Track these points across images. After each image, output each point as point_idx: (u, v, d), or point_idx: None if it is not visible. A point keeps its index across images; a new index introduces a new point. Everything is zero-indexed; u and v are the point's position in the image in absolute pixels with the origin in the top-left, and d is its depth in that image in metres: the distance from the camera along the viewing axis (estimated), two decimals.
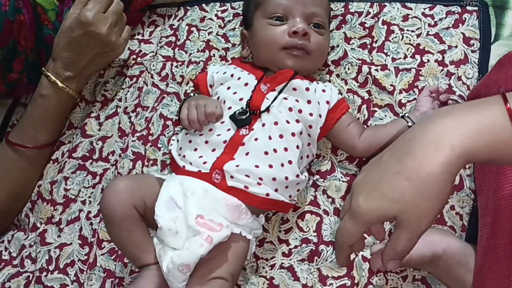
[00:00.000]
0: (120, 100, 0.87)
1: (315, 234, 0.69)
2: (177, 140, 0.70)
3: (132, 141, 0.82)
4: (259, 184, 0.63)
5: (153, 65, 0.88)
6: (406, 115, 0.69)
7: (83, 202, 0.80)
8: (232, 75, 0.72)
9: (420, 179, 0.41)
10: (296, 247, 0.69)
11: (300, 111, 0.67)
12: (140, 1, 0.89)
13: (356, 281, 0.65)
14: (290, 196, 0.66)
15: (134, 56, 0.91)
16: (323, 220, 0.70)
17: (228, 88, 0.70)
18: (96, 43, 0.76)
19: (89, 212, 0.79)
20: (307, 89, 0.69)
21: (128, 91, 0.87)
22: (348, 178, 0.71)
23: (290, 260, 0.69)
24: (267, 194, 0.63)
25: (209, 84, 0.75)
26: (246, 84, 0.70)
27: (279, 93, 0.68)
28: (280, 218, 0.71)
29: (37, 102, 0.79)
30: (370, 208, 0.43)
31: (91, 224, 0.78)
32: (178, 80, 0.85)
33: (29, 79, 0.85)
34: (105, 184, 0.80)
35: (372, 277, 0.65)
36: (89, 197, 0.80)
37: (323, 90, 0.70)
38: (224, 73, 0.73)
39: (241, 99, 0.68)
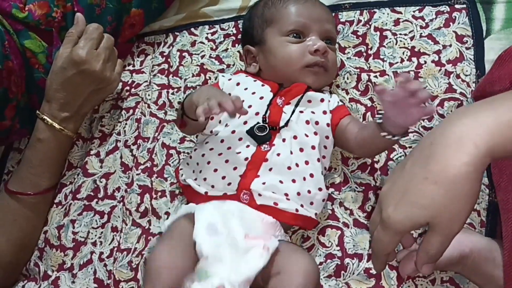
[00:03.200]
0: (118, 134, 0.85)
1: (338, 248, 0.68)
2: (187, 163, 0.68)
3: (137, 174, 0.80)
4: (287, 199, 0.62)
5: (149, 95, 0.86)
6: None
7: (94, 244, 0.78)
8: (246, 89, 0.71)
9: (447, 181, 0.41)
10: (321, 263, 0.68)
11: (317, 122, 0.67)
12: (128, 32, 0.87)
13: None
14: (316, 214, 0.65)
15: (128, 88, 0.89)
16: (344, 233, 0.69)
17: (242, 101, 0.69)
18: (91, 80, 0.74)
19: (101, 253, 0.76)
20: (322, 100, 0.69)
21: (126, 123, 0.85)
22: (363, 187, 0.71)
23: None
24: (296, 210, 0.62)
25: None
26: (261, 98, 0.69)
27: (296, 106, 0.68)
28: (301, 236, 0.70)
29: (35, 147, 0.76)
30: (401, 217, 0.43)
31: (105, 265, 0.75)
32: (176, 107, 0.84)
33: (21, 124, 0.82)
34: (114, 222, 0.78)
35: (401, 285, 0.65)
36: (99, 237, 0.78)
37: (329, 101, 0.71)
38: (235, 83, 0.72)
39: (257, 114, 0.67)
